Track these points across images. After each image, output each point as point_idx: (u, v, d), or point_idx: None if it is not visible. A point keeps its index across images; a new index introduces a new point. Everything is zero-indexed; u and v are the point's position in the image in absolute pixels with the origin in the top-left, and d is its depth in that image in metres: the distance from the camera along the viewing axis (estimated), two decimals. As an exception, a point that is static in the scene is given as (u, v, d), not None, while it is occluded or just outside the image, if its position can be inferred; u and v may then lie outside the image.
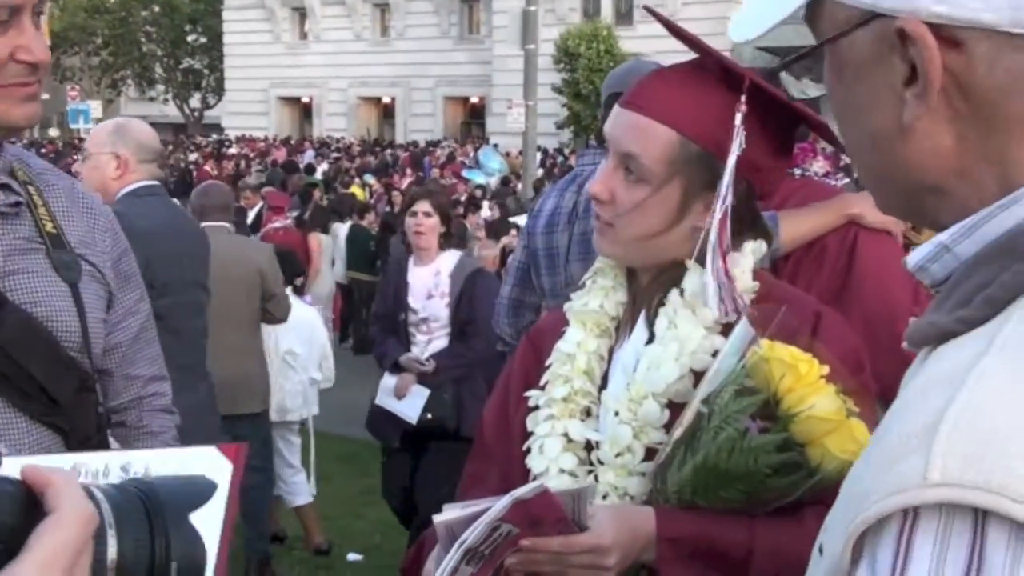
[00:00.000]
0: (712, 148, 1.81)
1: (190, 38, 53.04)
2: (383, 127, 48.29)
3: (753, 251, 1.90)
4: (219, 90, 52.98)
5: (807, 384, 1.60)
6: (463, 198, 17.81)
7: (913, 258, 0.98)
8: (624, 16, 39.74)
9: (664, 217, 1.86)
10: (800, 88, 1.25)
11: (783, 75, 2.04)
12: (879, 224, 2.72)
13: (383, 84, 47.51)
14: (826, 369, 1.62)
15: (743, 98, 1.76)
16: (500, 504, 1.50)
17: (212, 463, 1.39)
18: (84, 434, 1.86)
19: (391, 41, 47.76)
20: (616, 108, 1.90)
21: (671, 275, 1.90)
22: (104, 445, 1.92)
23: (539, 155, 25.42)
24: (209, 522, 1.28)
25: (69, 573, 0.76)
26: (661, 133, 1.83)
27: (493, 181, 21.20)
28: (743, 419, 1.62)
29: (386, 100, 48.79)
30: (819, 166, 3.12)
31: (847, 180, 4.40)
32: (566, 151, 32.69)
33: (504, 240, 11.27)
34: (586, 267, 3.62)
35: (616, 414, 1.83)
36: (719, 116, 1.79)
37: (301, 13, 49.98)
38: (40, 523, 0.77)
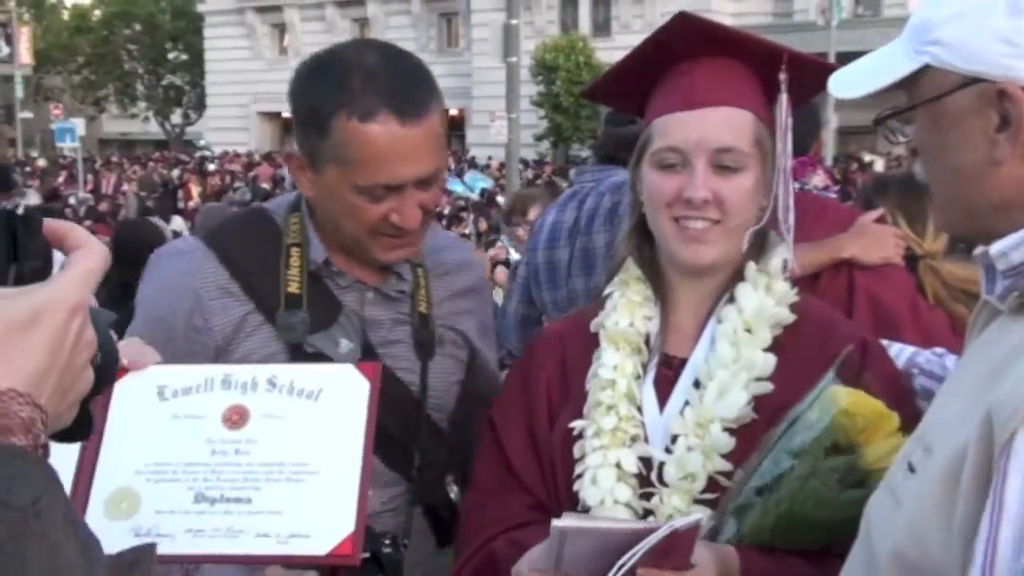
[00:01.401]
0: (768, 122, 1.92)
1: (171, 55, 52.92)
2: (364, 141, 48.19)
3: (780, 252, 1.96)
4: (200, 106, 52.90)
5: (886, 437, 1.66)
6: (446, 211, 17.87)
7: (997, 246, 1.30)
8: (602, 27, 39.92)
9: (757, 201, 1.92)
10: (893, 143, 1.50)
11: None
12: (876, 260, 2.79)
13: (363, 98, 47.45)
14: (896, 420, 1.67)
15: (783, 67, 1.88)
16: (658, 534, 1.53)
17: (351, 380, 1.55)
18: (432, 477, 2.16)
19: (371, 55, 47.74)
20: (680, 115, 1.88)
21: (718, 284, 1.94)
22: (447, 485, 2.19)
23: (520, 166, 25.49)
24: (352, 433, 1.45)
25: (92, 291, 0.99)
26: (746, 117, 1.88)
27: (474, 196, 21.29)
28: (832, 476, 1.65)
29: (366, 114, 48.71)
30: (818, 179, 3.21)
31: (835, 194, 4.53)
32: (546, 162, 32.79)
33: (491, 252, 11.35)
34: (588, 282, 3.71)
35: (684, 436, 1.83)
36: (763, 90, 1.92)
37: (281, 29, 49.99)
38: (73, 252, 0.99)
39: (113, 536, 1.41)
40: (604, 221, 3.61)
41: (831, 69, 2.03)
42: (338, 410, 1.51)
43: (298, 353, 2.03)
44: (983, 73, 1.27)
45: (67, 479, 1.31)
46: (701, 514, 1.70)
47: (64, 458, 1.20)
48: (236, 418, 1.51)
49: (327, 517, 1.47)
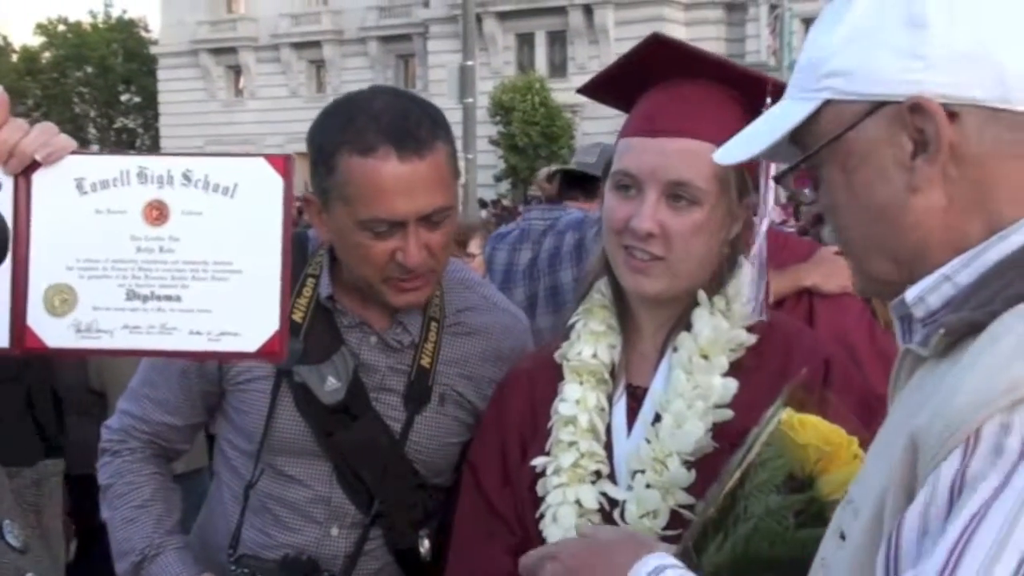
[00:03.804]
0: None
1: (124, 98, 52.79)
2: (320, 182, 48.33)
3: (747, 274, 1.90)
4: (154, 148, 52.74)
5: (841, 465, 1.59)
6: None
7: (913, 291, 1.16)
8: (558, 68, 40.38)
9: (716, 235, 1.84)
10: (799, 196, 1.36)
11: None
12: (836, 289, 2.83)
13: (319, 139, 47.61)
14: (855, 444, 1.59)
15: (769, 100, 1.74)
16: None
17: (264, 175, 1.53)
18: (406, 521, 2.19)
19: (327, 97, 47.89)
20: (640, 140, 1.84)
21: (679, 310, 1.89)
22: (421, 523, 2.23)
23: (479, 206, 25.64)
24: (269, 231, 1.48)
25: None
26: (707, 151, 1.71)
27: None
28: (788, 515, 1.59)
29: (323, 155, 48.86)
30: (775, 215, 3.27)
31: (793, 228, 4.62)
32: (504, 202, 33.01)
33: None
34: (557, 320, 3.74)
35: (642, 473, 1.80)
36: (741, 124, 1.81)
37: (236, 71, 50.06)
38: None
39: (55, 332, 1.46)
40: (570, 258, 3.67)
41: None
42: (254, 207, 1.52)
43: (286, 379, 2.13)
44: (889, 95, 1.14)
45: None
46: None
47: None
48: (156, 214, 1.50)
49: (254, 316, 1.51)
